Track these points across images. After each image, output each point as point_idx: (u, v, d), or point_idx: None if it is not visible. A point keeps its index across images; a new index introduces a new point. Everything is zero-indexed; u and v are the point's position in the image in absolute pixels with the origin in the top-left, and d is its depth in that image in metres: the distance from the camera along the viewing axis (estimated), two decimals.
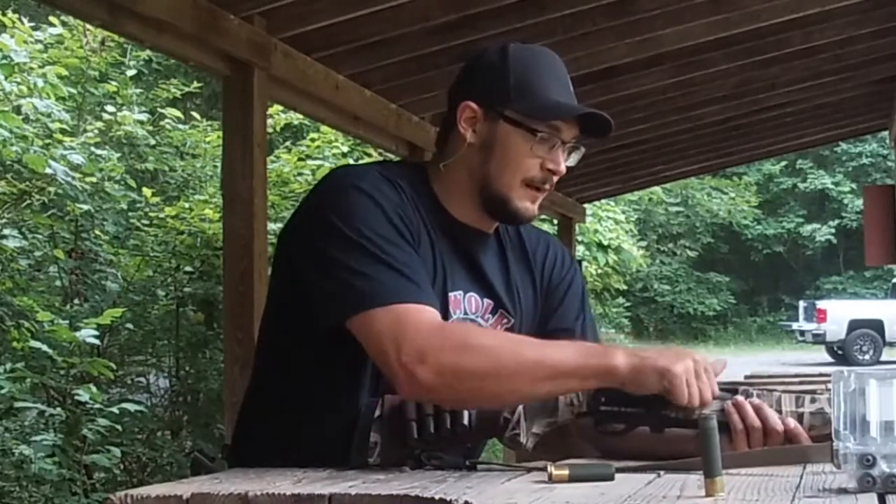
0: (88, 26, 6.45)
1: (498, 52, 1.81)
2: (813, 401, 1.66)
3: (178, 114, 6.77)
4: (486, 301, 1.85)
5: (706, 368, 1.64)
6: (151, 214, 6.13)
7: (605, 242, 16.39)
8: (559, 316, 1.94)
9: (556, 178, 1.80)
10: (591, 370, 1.62)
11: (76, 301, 5.70)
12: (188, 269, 5.99)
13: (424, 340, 1.61)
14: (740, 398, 1.67)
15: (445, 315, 1.77)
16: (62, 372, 4.97)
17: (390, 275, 1.66)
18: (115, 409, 4.90)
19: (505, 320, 1.87)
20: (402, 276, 1.66)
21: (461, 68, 1.89)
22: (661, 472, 1.54)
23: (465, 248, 1.84)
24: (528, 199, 1.80)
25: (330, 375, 1.76)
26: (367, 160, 7.81)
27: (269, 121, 6.51)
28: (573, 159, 1.83)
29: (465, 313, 1.83)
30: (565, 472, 1.46)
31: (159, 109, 6.88)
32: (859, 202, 21.38)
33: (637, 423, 1.68)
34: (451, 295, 1.80)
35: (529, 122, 1.76)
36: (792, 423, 1.67)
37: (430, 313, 1.65)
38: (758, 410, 1.67)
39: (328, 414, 1.74)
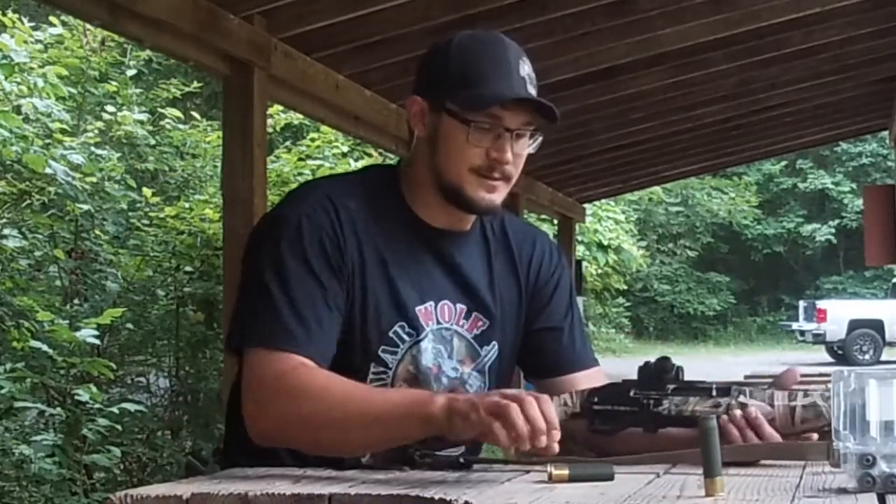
0: (88, 26, 6.45)
1: (444, 45, 1.81)
2: (806, 395, 1.66)
3: (178, 114, 6.77)
4: (459, 306, 1.83)
5: (530, 402, 1.47)
6: (151, 214, 6.13)
7: (605, 242, 16.40)
8: (548, 314, 1.92)
9: (508, 167, 1.76)
10: (414, 418, 1.56)
11: (76, 301, 5.70)
12: (188, 269, 5.99)
13: (264, 391, 1.66)
14: (736, 413, 1.66)
15: (418, 329, 1.78)
16: (62, 372, 4.97)
17: (276, 315, 1.68)
18: (115, 409, 4.90)
19: (480, 322, 1.85)
20: (286, 318, 1.68)
21: (416, 65, 1.89)
22: (661, 472, 1.53)
23: (438, 251, 1.83)
24: (481, 188, 1.76)
25: None
26: (366, 160, 7.82)
27: (269, 121, 6.51)
28: (532, 146, 1.79)
29: (439, 323, 1.81)
30: (565, 471, 1.45)
31: (159, 109, 6.87)
32: (859, 202, 21.39)
33: (630, 422, 1.67)
34: (421, 308, 1.79)
35: (465, 112, 1.74)
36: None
37: (285, 363, 1.66)
38: (755, 426, 1.66)
39: None
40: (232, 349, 1.76)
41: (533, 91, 1.77)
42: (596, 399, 1.66)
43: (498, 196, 1.78)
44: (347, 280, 1.74)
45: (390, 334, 1.77)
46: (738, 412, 1.66)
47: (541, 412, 1.45)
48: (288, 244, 1.72)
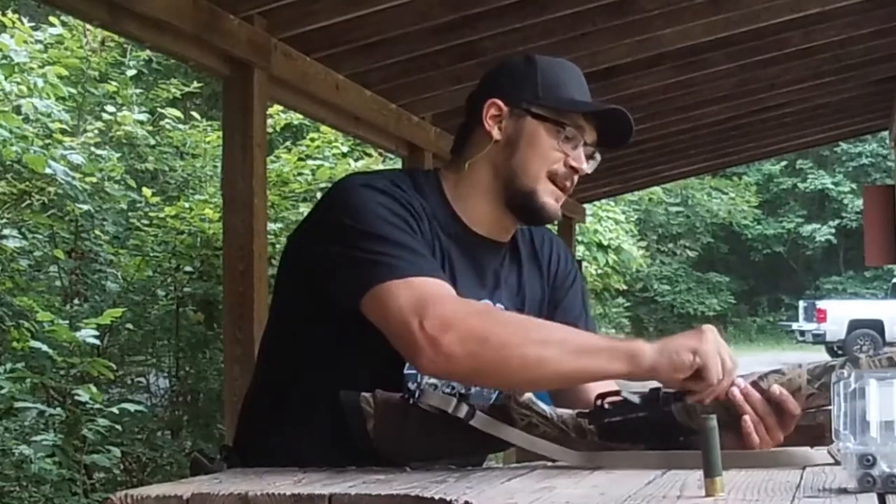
0: (88, 26, 6.45)
1: (523, 58, 1.88)
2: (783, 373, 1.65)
3: (178, 114, 6.77)
4: (499, 307, 1.85)
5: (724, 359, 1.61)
6: (151, 214, 6.13)
7: (605, 242, 16.40)
8: (564, 309, 1.95)
9: (576, 178, 1.83)
10: (620, 351, 1.59)
11: (76, 301, 5.71)
12: (188, 269, 6.00)
13: (449, 309, 1.61)
14: (746, 385, 1.64)
15: None
16: (62, 372, 4.97)
17: (404, 253, 1.66)
18: (115, 409, 4.90)
19: None
20: (416, 254, 1.67)
21: (483, 76, 1.93)
22: (661, 472, 1.53)
23: (476, 257, 1.85)
24: (552, 195, 1.82)
25: (334, 378, 1.76)
26: (366, 160, 7.82)
27: (269, 121, 6.51)
28: (591, 166, 1.86)
29: None
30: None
31: (159, 109, 6.88)
32: (859, 202, 21.38)
33: (642, 432, 1.64)
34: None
35: (557, 115, 1.80)
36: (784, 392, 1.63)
37: (449, 287, 1.66)
38: (773, 398, 1.62)
39: (331, 416, 1.74)
40: (356, 301, 1.65)
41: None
42: (606, 405, 1.64)
43: (560, 205, 1.84)
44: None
45: None
46: (747, 385, 1.63)
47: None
48: (380, 207, 1.70)
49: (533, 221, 1.88)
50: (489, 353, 1.58)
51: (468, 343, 1.58)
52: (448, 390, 1.67)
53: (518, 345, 1.59)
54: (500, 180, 1.82)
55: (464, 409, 1.58)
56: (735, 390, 1.62)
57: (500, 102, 1.82)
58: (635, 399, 1.63)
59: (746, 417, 1.61)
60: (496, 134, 1.82)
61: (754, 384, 1.64)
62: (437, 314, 1.59)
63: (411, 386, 1.64)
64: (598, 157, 1.86)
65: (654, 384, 1.65)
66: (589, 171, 1.86)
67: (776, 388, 1.63)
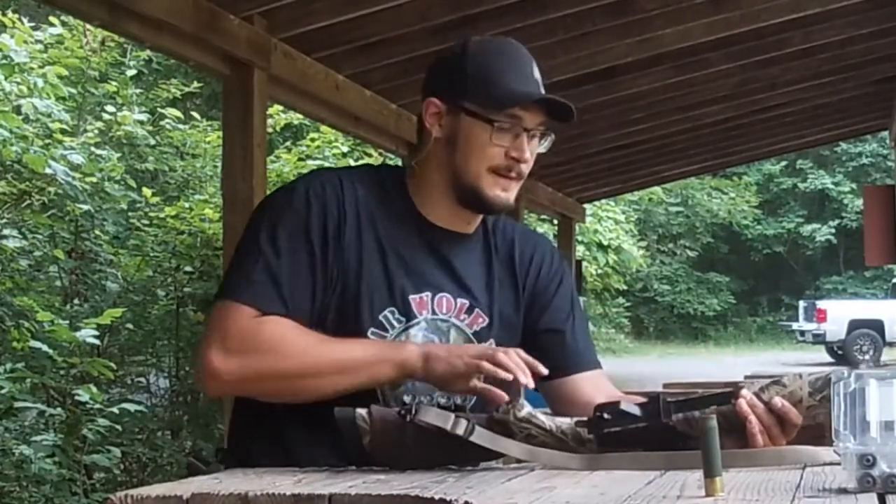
0: (88, 26, 6.45)
1: (459, 48, 1.87)
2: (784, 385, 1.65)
3: (178, 114, 6.77)
4: (461, 301, 1.86)
5: (511, 349, 1.70)
6: (151, 214, 6.13)
7: (605, 242, 16.40)
8: (549, 317, 1.94)
9: (524, 166, 1.82)
10: (388, 362, 1.71)
11: (76, 301, 5.71)
12: (188, 269, 6.00)
13: (233, 337, 1.72)
14: (751, 396, 1.63)
15: (410, 316, 1.81)
16: (62, 372, 4.97)
17: (254, 275, 1.75)
18: (115, 409, 4.90)
19: (481, 319, 1.88)
20: (262, 280, 1.75)
21: (426, 72, 1.94)
22: (661, 472, 1.53)
23: (438, 249, 1.87)
24: (497, 186, 1.82)
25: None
26: (366, 160, 7.82)
27: (269, 121, 6.51)
28: (544, 145, 1.86)
29: (434, 314, 1.84)
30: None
31: (159, 109, 6.88)
32: (859, 202, 21.39)
33: (642, 442, 1.63)
34: (416, 296, 1.82)
35: (487, 112, 1.79)
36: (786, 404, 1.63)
37: (249, 315, 1.73)
38: (775, 410, 1.62)
39: (322, 415, 1.75)
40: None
41: (544, 93, 1.83)
42: (606, 415, 1.63)
43: (512, 194, 1.84)
44: (343, 259, 1.79)
45: (380, 318, 1.80)
46: (751, 395, 1.63)
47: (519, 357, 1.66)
48: (290, 212, 1.79)
49: (486, 212, 1.89)
50: (269, 384, 1.74)
51: (247, 374, 1.72)
52: (444, 401, 1.68)
53: (291, 376, 1.72)
54: (446, 177, 1.84)
55: (462, 426, 1.57)
56: (741, 401, 1.61)
57: (436, 101, 1.84)
58: (635, 410, 1.63)
59: (752, 419, 1.61)
60: (437, 132, 1.84)
61: (756, 396, 1.64)
62: (223, 342, 1.72)
63: (406, 399, 1.65)
64: (551, 135, 1.84)
65: (652, 391, 1.64)
66: (544, 151, 1.86)
67: (778, 401, 1.63)
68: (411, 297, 1.82)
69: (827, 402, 1.53)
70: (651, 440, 1.61)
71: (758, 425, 1.61)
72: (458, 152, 1.82)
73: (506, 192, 1.82)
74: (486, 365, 1.66)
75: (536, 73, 1.83)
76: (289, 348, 1.72)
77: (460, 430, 1.57)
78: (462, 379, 1.69)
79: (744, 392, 1.63)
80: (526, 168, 1.82)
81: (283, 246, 1.76)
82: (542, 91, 1.82)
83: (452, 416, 1.58)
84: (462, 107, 1.80)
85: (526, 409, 1.62)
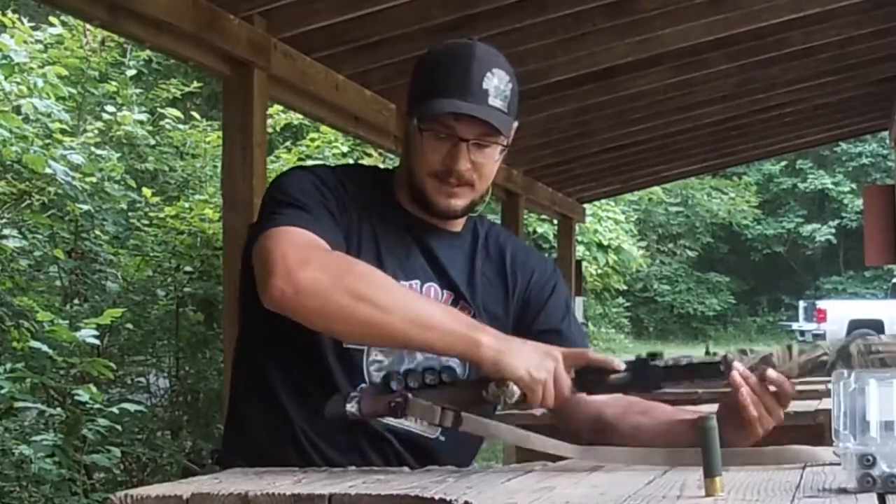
0: (88, 26, 6.44)
1: (424, 55, 1.91)
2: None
3: (178, 114, 6.77)
4: (446, 293, 1.88)
5: (562, 372, 1.63)
6: (151, 214, 6.13)
7: (605, 242, 16.41)
8: (544, 317, 1.95)
9: (469, 174, 1.82)
10: (458, 335, 1.63)
11: (76, 301, 5.71)
12: (188, 269, 6.00)
13: (313, 249, 1.68)
14: (743, 368, 1.64)
15: None
16: (62, 372, 4.97)
17: (293, 210, 1.75)
18: (115, 409, 4.90)
19: (466, 312, 1.87)
20: (307, 211, 1.75)
21: None
22: (661, 472, 1.53)
23: (423, 241, 1.90)
24: (441, 193, 1.84)
25: (292, 366, 1.81)
26: (366, 160, 7.82)
27: (269, 121, 6.51)
28: (484, 156, 1.82)
29: None
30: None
31: (159, 109, 6.87)
32: (859, 202, 21.39)
33: (627, 383, 1.67)
34: (406, 284, 1.83)
35: (419, 121, 1.82)
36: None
37: (314, 237, 1.71)
38: (769, 380, 1.63)
39: (314, 415, 1.75)
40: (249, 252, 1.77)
41: (497, 103, 1.79)
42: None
43: (460, 201, 1.85)
44: (348, 238, 1.81)
45: None
46: (744, 368, 1.64)
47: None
48: (310, 177, 1.83)
49: (436, 216, 1.90)
50: (338, 298, 1.62)
51: (322, 283, 1.62)
52: (431, 378, 1.65)
53: (369, 300, 1.62)
54: (406, 177, 1.89)
55: (450, 417, 1.61)
56: (734, 373, 1.63)
57: (402, 107, 1.94)
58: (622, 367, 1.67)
59: (744, 390, 1.63)
60: (401, 134, 1.96)
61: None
62: (302, 252, 1.66)
63: (394, 386, 1.64)
64: (491, 146, 1.82)
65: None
66: (482, 161, 1.82)
67: (772, 372, 1.65)
68: (402, 283, 1.82)
69: (817, 373, 1.62)
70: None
71: (750, 395, 1.63)
72: (408, 156, 1.88)
73: (450, 199, 1.84)
74: (539, 391, 1.61)
75: (490, 83, 1.79)
76: (377, 279, 1.67)
77: (448, 423, 1.62)
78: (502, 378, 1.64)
79: (736, 363, 1.65)
80: (472, 176, 1.82)
81: (313, 197, 1.78)
82: (495, 100, 1.78)
83: (439, 409, 1.61)
84: (410, 114, 1.86)
85: (517, 396, 1.63)
